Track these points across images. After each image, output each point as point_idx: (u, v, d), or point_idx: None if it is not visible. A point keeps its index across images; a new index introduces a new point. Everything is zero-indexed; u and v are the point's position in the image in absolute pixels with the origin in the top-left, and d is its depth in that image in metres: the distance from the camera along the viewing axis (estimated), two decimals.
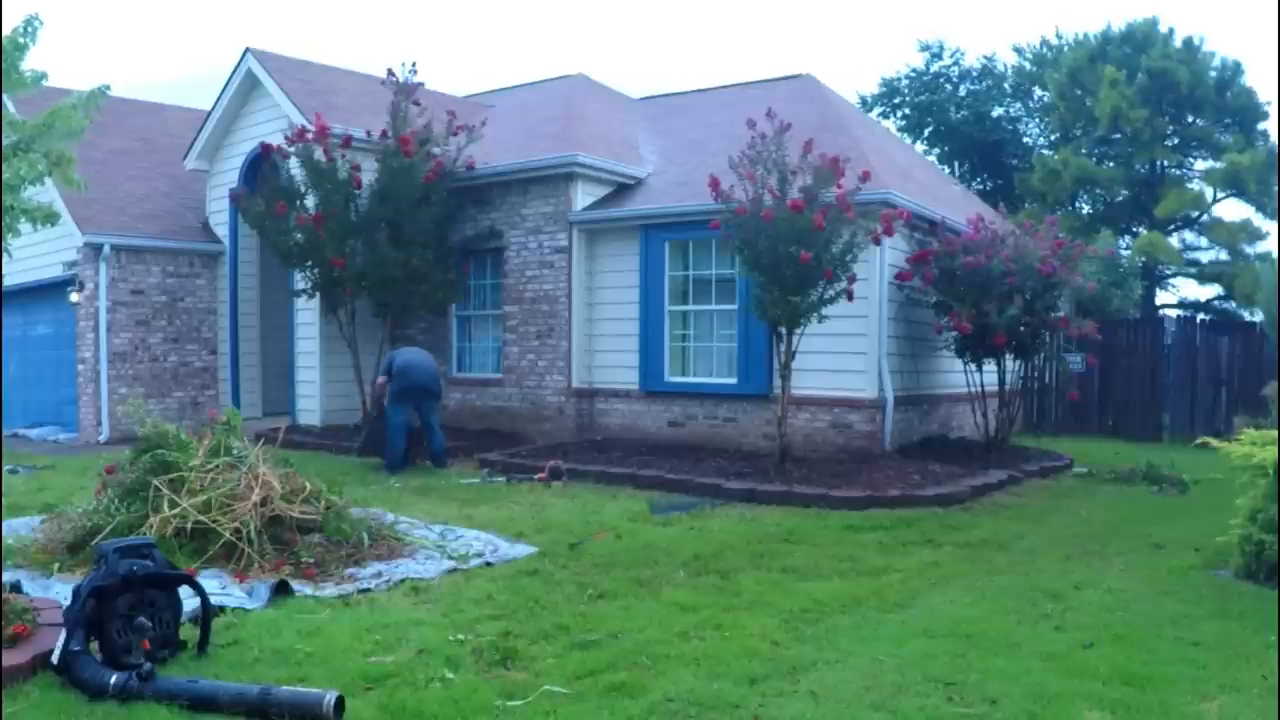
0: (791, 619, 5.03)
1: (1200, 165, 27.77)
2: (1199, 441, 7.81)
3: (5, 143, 6.23)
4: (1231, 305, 25.82)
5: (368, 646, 4.51)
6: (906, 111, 32.64)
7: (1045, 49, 31.18)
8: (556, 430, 12.24)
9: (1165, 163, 27.53)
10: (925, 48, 33.01)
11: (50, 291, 14.67)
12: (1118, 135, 27.00)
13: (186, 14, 68.51)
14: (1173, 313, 24.56)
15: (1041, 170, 27.42)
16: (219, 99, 14.36)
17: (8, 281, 13.80)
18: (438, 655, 4.37)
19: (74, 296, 13.72)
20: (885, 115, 32.77)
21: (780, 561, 6.28)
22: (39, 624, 4.37)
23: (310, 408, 13.41)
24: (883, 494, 8.48)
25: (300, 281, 12.83)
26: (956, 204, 14.16)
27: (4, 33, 6.27)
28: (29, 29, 6.32)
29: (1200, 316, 20.66)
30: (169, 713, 3.70)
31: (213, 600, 4.70)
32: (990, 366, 11.38)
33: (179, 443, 6.34)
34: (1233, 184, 25.20)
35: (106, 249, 13.50)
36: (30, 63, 6.44)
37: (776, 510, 8.14)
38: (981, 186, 31.03)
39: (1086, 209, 29.57)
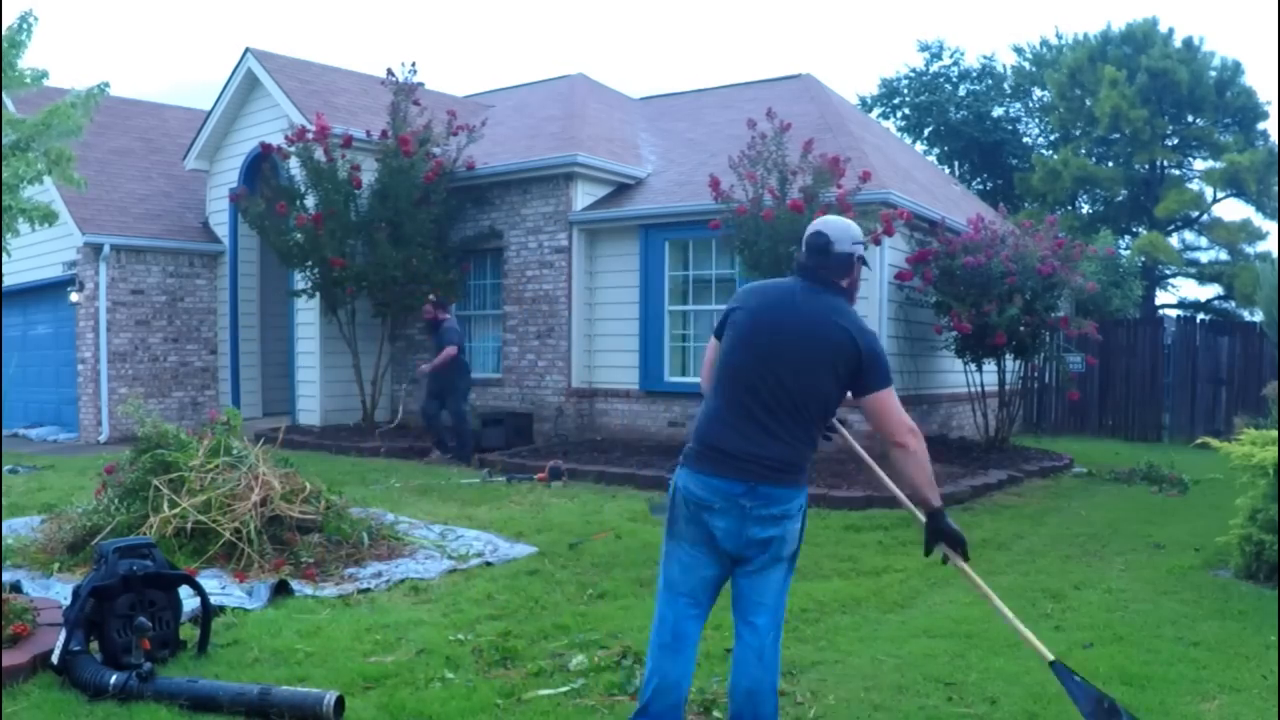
0: (791, 619, 5.01)
1: (1200, 165, 27.79)
2: (1199, 441, 7.80)
3: (5, 142, 6.23)
4: (1231, 305, 25.84)
5: (368, 646, 4.50)
6: (906, 112, 32.64)
7: (1045, 49, 31.20)
8: (556, 430, 12.24)
9: (1165, 163, 27.54)
10: (925, 48, 33.05)
11: (50, 291, 14.66)
12: (1118, 135, 27.01)
13: (187, 21, 68.54)
14: (1173, 313, 24.58)
15: (1041, 170, 27.42)
16: (219, 99, 14.35)
17: (8, 281, 13.78)
18: (438, 655, 4.37)
19: (74, 296, 13.71)
20: (885, 115, 32.75)
21: None
22: (39, 624, 4.36)
23: (310, 408, 13.40)
24: (882, 494, 8.47)
25: (300, 281, 12.83)
26: (956, 204, 14.16)
27: (1, 31, 6.26)
28: (24, 25, 6.31)
29: (1200, 316, 20.67)
30: (169, 713, 3.69)
31: (213, 600, 4.70)
32: (990, 366, 11.37)
33: (179, 443, 6.32)
34: (1233, 184, 25.22)
35: (106, 249, 13.49)
36: (30, 62, 6.44)
37: None
38: (981, 186, 31.02)
39: (1086, 209, 29.58)
